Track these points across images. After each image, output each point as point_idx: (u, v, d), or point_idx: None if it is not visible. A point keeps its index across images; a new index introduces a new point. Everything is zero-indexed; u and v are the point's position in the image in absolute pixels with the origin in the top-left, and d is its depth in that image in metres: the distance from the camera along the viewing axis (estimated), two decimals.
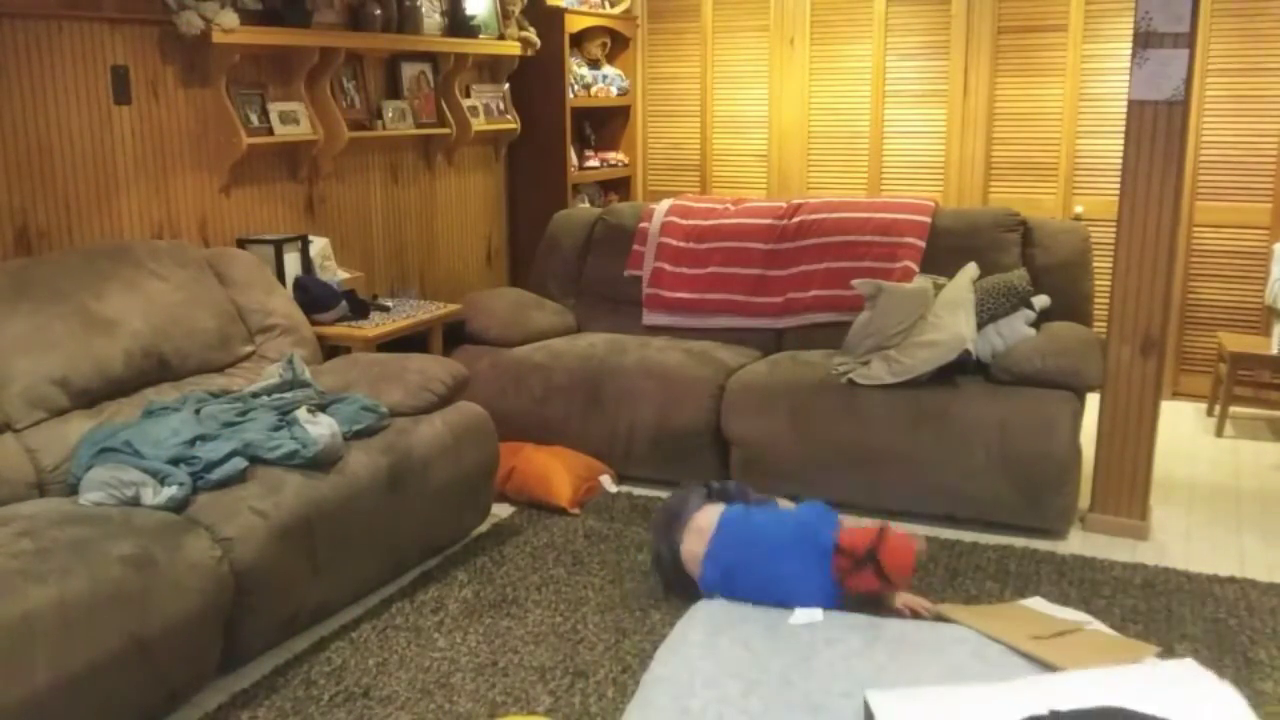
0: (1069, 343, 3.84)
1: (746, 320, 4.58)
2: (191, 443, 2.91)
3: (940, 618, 2.92)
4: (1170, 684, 2.27)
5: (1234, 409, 4.97)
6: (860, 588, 2.97)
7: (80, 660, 2.29)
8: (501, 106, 5.42)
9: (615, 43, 6.03)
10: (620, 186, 6.21)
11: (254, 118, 4.02)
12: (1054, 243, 4.30)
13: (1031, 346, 3.83)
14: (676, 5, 5.98)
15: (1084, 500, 3.80)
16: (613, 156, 6.06)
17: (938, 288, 4.06)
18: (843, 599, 2.97)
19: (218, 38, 3.69)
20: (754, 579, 2.97)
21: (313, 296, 3.99)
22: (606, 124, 6.14)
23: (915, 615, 2.96)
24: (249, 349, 3.64)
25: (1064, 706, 2.16)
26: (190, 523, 2.68)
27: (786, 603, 2.93)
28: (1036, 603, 3.05)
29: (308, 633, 3.03)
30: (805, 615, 3.04)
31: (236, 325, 3.61)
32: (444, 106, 4.99)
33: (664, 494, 4.02)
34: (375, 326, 4.06)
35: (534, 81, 5.48)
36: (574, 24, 5.54)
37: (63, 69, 3.42)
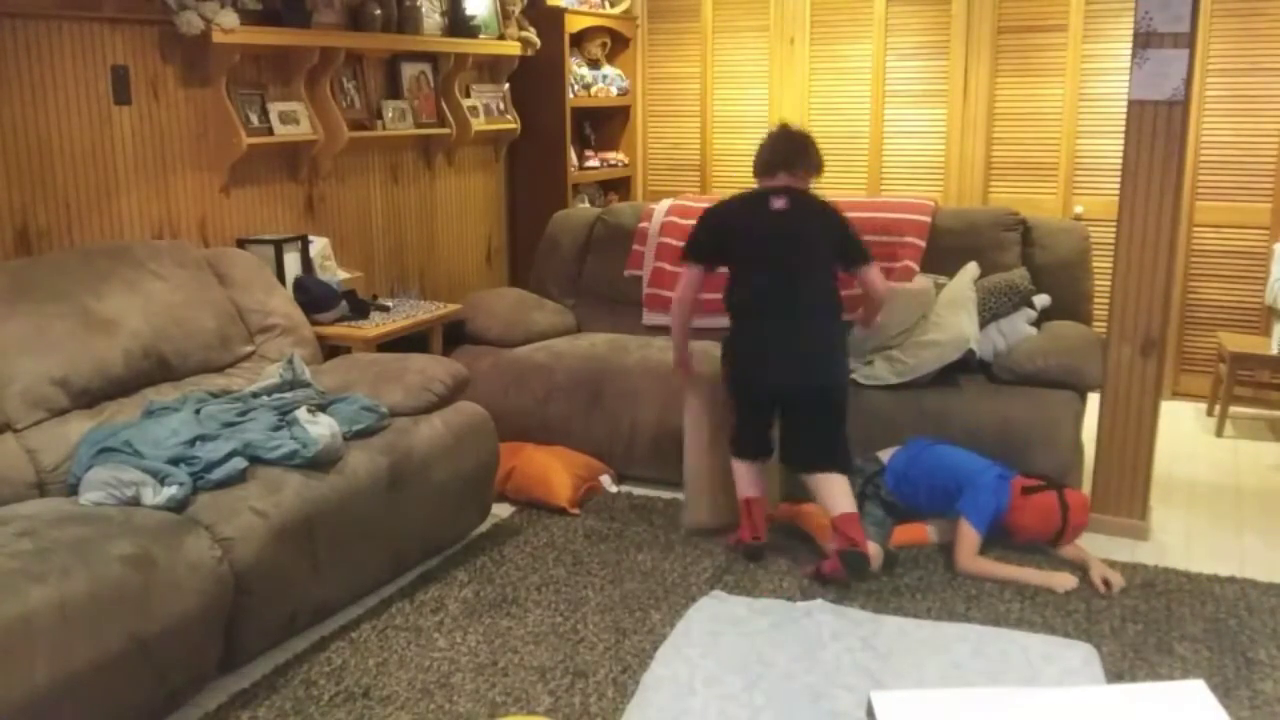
0: (1071, 342, 3.84)
1: None
2: (191, 443, 2.91)
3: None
4: (1175, 707, 2.26)
5: (1234, 409, 4.97)
6: (1030, 523, 3.39)
7: (80, 660, 2.29)
8: (501, 106, 5.42)
9: (615, 43, 6.02)
10: (620, 186, 6.20)
11: (254, 118, 4.02)
12: (1054, 242, 4.30)
13: (1033, 346, 3.83)
14: (676, 5, 5.98)
15: None
16: (613, 156, 6.05)
17: (938, 287, 4.06)
18: (1004, 518, 3.39)
19: (218, 38, 3.69)
20: (929, 466, 3.49)
21: (313, 296, 3.99)
22: (606, 124, 6.14)
23: (1107, 588, 3.21)
24: (249, 349, 3.63)
25: (1065, 717, 2.16)
26: (190, 523, 2.68)
27: (953, 494, 3.40)
28: None
29: (308, 633, 3.03)
30: (806, 611, 3.04)
31: (236, 325, 3.61)
32: (444, 106, 4.99)
33: (664, 494, 4.03)
34: (375, 326, 4.06)
35: (534, 81, 5.48)
36: (574, 24, 5.54)
37: (63, 69, 3.42)
